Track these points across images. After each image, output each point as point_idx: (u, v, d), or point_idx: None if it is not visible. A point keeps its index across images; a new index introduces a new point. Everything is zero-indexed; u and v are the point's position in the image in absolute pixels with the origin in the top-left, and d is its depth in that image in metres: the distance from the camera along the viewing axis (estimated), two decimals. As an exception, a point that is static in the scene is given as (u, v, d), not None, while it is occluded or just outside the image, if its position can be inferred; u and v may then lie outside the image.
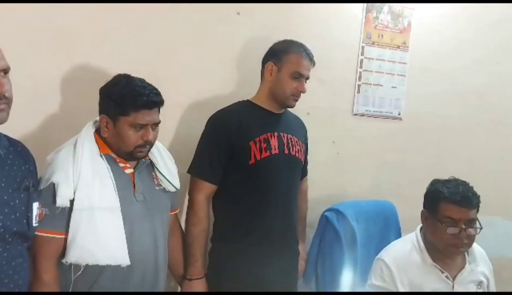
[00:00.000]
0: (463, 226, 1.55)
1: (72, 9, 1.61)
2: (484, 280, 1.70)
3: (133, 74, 1.38)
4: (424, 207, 1.69)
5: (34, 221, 1.15)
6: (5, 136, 1.16)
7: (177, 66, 1.80)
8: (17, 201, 1.10)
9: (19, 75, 1.17)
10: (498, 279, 1.84)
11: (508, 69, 2.43)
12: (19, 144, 1.21)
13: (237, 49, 1.89)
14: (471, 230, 1.57)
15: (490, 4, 2.30)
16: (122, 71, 1.41)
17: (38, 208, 1.17)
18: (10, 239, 1.07)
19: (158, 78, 1.45)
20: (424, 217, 1.67)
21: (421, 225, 1.74)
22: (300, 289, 1.88)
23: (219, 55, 1.86)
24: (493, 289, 1.77)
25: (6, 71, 1.07)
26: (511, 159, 2.48)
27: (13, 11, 1.52)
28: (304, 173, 1.85)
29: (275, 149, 1.63)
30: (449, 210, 1.57)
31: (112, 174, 1.31)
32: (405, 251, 1.68)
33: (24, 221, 1.12)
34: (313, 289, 2.02)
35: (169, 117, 1.56)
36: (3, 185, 1.07)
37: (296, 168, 1.73)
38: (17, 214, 1.09)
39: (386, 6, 2.12)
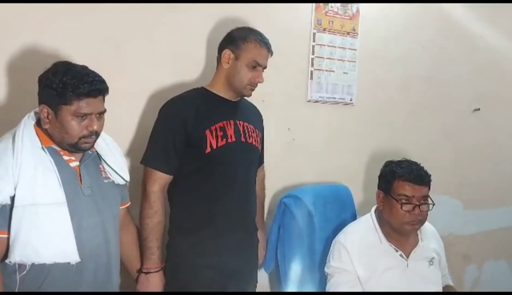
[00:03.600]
0: (417, 203, 1.63)
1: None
2: (436, 256, 1.78)
3: (79, 63, 1.30)
4: (379, 187, 1.75)
5: None
6: None
7: (126, 54, 1.73)
8: None
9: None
10: (448, 254, 1.94)
11: (452, 54, 2.53)
12: None
13: (187, 36, 1.84)
14: (424, 207, 1.65)
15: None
16: (65, 60, 1.33)
17: None
18: None
19: (106, 67, 1.39)
20: (380, 197, 1.72)
21: (375, 206, 1.79)
22: (261, 276, 1.89)
23: (169, 43, 1.80)
24: (444, 264, 1.87)
25: None
26: (456, 140, 2.59)
27: None
28: (260, 161, 1.84)
29: (231, 137, 1.61)
30: (403, 188, 1.64)
31: (56, 168, 1.24)
32: (361, 232, 1.73)
33: None
34: (273, 275, 2.03)
35: (118, 107, 1.50)
36: None
37: (253, 156, 1.72)
38: None
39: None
